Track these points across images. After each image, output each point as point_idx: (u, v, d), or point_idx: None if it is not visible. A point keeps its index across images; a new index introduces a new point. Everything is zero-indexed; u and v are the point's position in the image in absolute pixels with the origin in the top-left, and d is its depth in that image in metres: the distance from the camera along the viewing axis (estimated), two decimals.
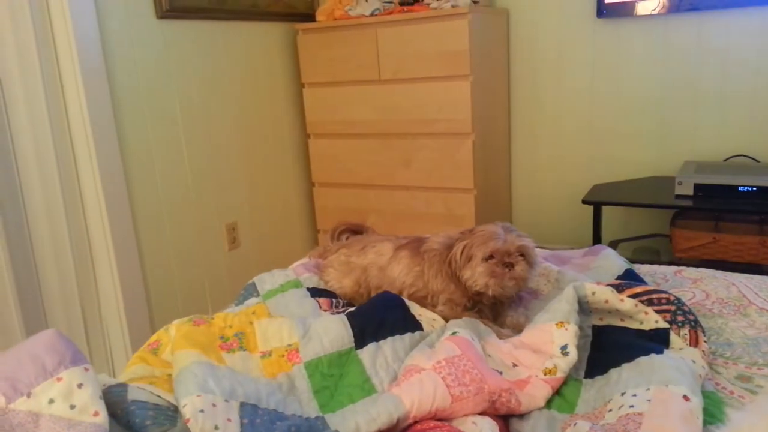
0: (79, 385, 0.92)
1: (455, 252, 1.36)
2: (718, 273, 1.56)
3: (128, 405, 0.98)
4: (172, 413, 1.00)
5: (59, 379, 0.92)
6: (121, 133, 2.17)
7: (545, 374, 1.12)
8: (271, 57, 2.81)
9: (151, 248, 2.31)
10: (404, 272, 1.46)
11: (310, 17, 2.87)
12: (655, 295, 1.25)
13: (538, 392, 1.09)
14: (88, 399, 0.91)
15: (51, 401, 0.89)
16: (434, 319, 1.34)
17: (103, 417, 0.90)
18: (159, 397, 1.04)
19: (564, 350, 1.14)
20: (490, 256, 1.31)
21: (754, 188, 2.22)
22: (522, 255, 1.33)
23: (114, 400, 0.99)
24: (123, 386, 1.04)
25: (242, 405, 1.02)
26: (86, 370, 0.94)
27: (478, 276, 1.32)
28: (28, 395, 0.89)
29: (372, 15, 2.64)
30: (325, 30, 2.73)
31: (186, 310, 2.43)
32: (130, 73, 2.19)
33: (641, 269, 1.63)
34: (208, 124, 2.51)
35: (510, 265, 1.31)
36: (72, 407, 0.89)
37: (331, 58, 2.74)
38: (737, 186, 2.24)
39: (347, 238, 1.72)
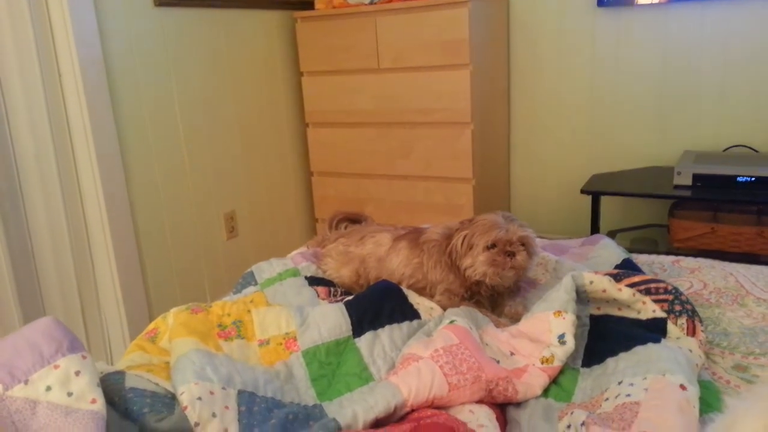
0: (77, 373, 0.92)
1: (456, 242, 1.36)
2: (716, 263, 1.57)
3: (126, 392, 0.98)
4: (169, 401, 1.00)
5: (56, 367, 0.92)
6: (119, 122, 2.16)
7: (542, 363, 1.12)
8: (270, 45, 2.79)
9: (149, 237, 2.31)
10: (403, 263, 1.46)
11: (309, 5, 2.85)
12: (652, 285, 1.26)
13: (535, 381, 1.10)
14: (85, 386, 0.91)
15: (48, 388, 0.89)
16: (432, 308, 1.34)
17: (100, 404, 0.90)
18: (157, 384, 1.04)
19: (561, 339, 1.14)
20: (492, 245, 1.31)
21: (753, 179, 2.22)
22: (522, 244, 1.33)
23: (111, 388, 0.99)
24: (120, 374, 1.04)
25: (240, 393, 1.02)
26: (84, 357, 0.94)
27: (478, 265, 1.32)
28: (26, 382, 0.90)
29: (371, 3, 2.62)
30: (324, 18, 2.71)
31: (184, 299, 2.43)
32: (127, 61, 2.18)
33: (639, 259, 1.63)
34: (206, 113, 2.50)
35: (511, 254, 1.32)
36: (69, 394, 0.89)
37: (330, 46, 2.73)
38: (736, 176, 2.24)
39: (345, 227, 1.72)
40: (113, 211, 2.14)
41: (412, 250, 1.46)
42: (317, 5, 2.76)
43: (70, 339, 0.96)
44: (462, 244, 1.35)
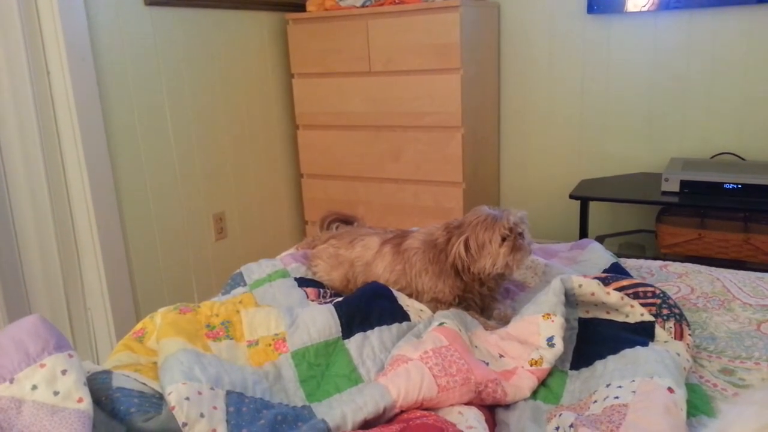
0: (63, 372, 0.91)
1: (458, 250, 1.34)
2: (703, 268, 1.58)
3: (113, 392, 0.97)
4: (157, 401, 0.99)
5: (43, 365, 0.91)
6: (108, 121, 2.15)
7: (531, 365, 1.13)
8: (261, 46, 2.79)
9: (138, 237, 2.29)
10: (387, 270, 1.45)
11: (300, 7, 2.85)
12: (641, 289, 1.27)
13: (523, 383, 1.10)
14: (72, 385, 0.90)
15: (34, 387, 0.88)
16: (422, 310, 1.34)
17: (87, 403, 0.89)
18: (144, 384, 1.03)
19: (550, 342, 1.14)
20: (508, 235, 1.32)
21: (739, 186, 2.24)
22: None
23: (98, 387, 0.98)
24: (108, 373, 1.03)
25: (228, 393, 1.01)
26: (70, 356, 0.93)
27: (501, 258, 1.31)
28: (11, 381, 0.88)
29: (363, 6, 2.63)
30: (316, 20, 2.71)
31: (172, 300, 2.41)
32: (117, 60, 2.16)
33: (627, 263, 1.64)
34: (196, 113, 2.49)
35: (521, 236, 1.33)
36: (55, 393, 0.88)
37: (322, 48, 2.73)
38: (723, 183, 2.26)
39: (337, 228, 1.72)
40: (101, 209, 2.12)
41: (395, 256, 1.45)
42: (309, 7, 2.76)
43: (57, 337, 0.95)
44: (467, 249, 1.34)
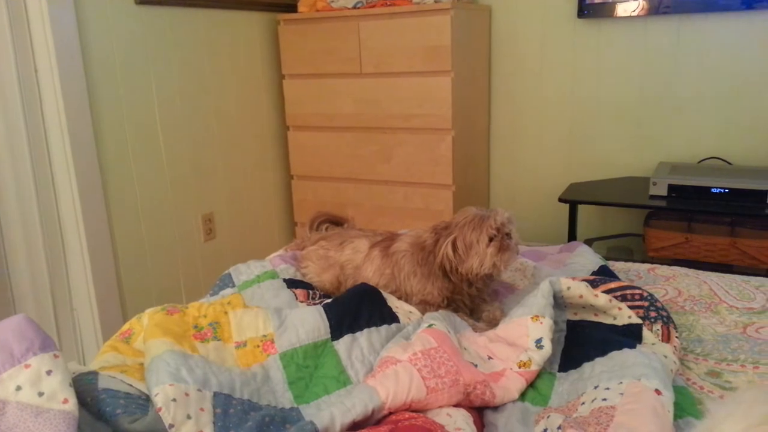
0: (48, 372, 0.90)
1: (445, 251, 1.35)
2: (690, 271, 1.59)
3: (99, 393, 0.96)
4: (143, 402, 0.99)
5: (27, 366, 0.90)
6: (96, 121, 2.13)
7: (520, 367, 1.13)
8: (252, 47, 2.78)
9: (125, 237, 2.27)
10: (377, 273, 1.45)
11: (292, 8, 2.85)
12: (628, 291, 1.27)
13: (512, 385, 1.10)
14: (57, 386, 0.89)
15: (18, 388, 0.87)
16: (411, 312, 1.34)
17: (72, 404, 0.88)
18: (130, 385, 1.02)
19: (539, 344, 1.15)
20: (495, 235, 1.32)
21: (726, 190, 2.26)
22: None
23: (84, 388, 0.97)
24: (93, 374, 1.02)
25: (215, 395, 1.01)
26: (56, 356, 0.92)
27: (488, 258, 1.32)
28: None
29: (355, 7, 2.63)
30: (307, 21, 2.71)
31: (160, 301, 2.40)
32: (106, 60, 2.15)
33: (616, 266, 1.65)
34: (185, 114, 2.48)
35: (509, 236, 1.33)
36: (40, 394, 0.87)
37: (313, 49, 2.72)
38: (710, 188, 2.28)
39: (326, 229, 1.71)
40: (88, 209, 2.10)
41: (383, 260, 1.45)
42: (300, 8, 2.75)
43: (42, 338, 0.94)
44: (455, 249, 1.34)
